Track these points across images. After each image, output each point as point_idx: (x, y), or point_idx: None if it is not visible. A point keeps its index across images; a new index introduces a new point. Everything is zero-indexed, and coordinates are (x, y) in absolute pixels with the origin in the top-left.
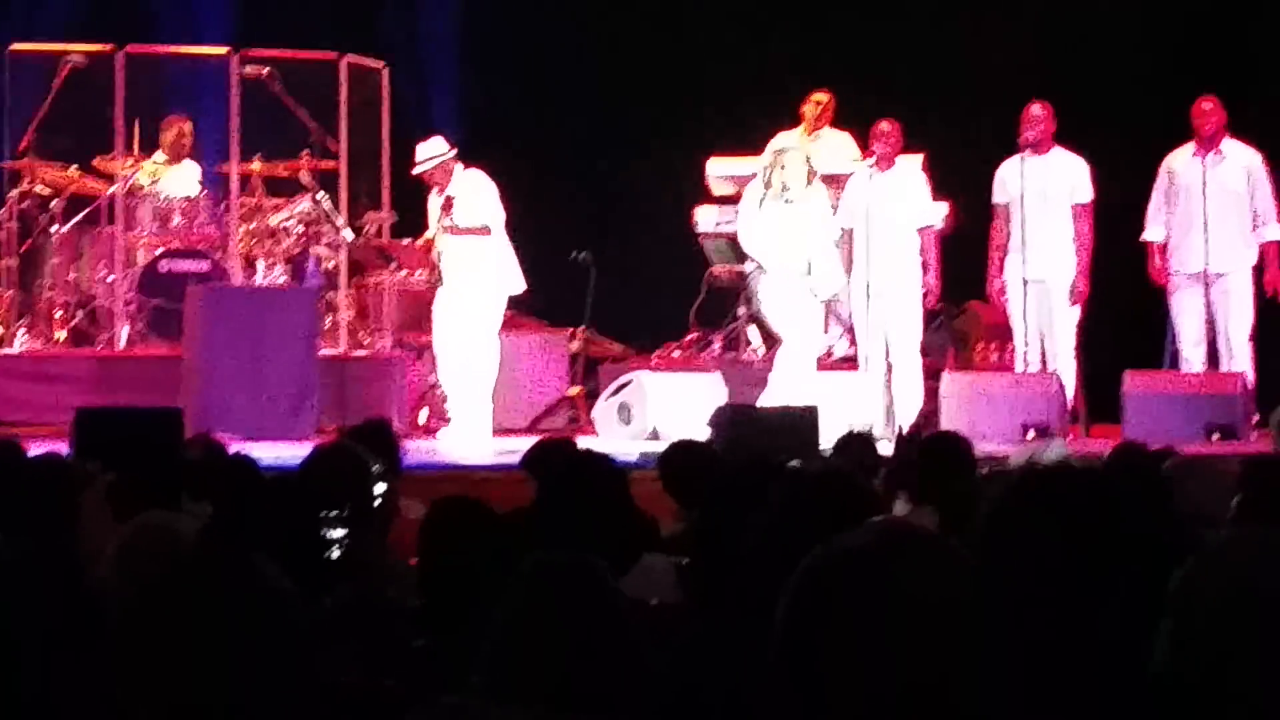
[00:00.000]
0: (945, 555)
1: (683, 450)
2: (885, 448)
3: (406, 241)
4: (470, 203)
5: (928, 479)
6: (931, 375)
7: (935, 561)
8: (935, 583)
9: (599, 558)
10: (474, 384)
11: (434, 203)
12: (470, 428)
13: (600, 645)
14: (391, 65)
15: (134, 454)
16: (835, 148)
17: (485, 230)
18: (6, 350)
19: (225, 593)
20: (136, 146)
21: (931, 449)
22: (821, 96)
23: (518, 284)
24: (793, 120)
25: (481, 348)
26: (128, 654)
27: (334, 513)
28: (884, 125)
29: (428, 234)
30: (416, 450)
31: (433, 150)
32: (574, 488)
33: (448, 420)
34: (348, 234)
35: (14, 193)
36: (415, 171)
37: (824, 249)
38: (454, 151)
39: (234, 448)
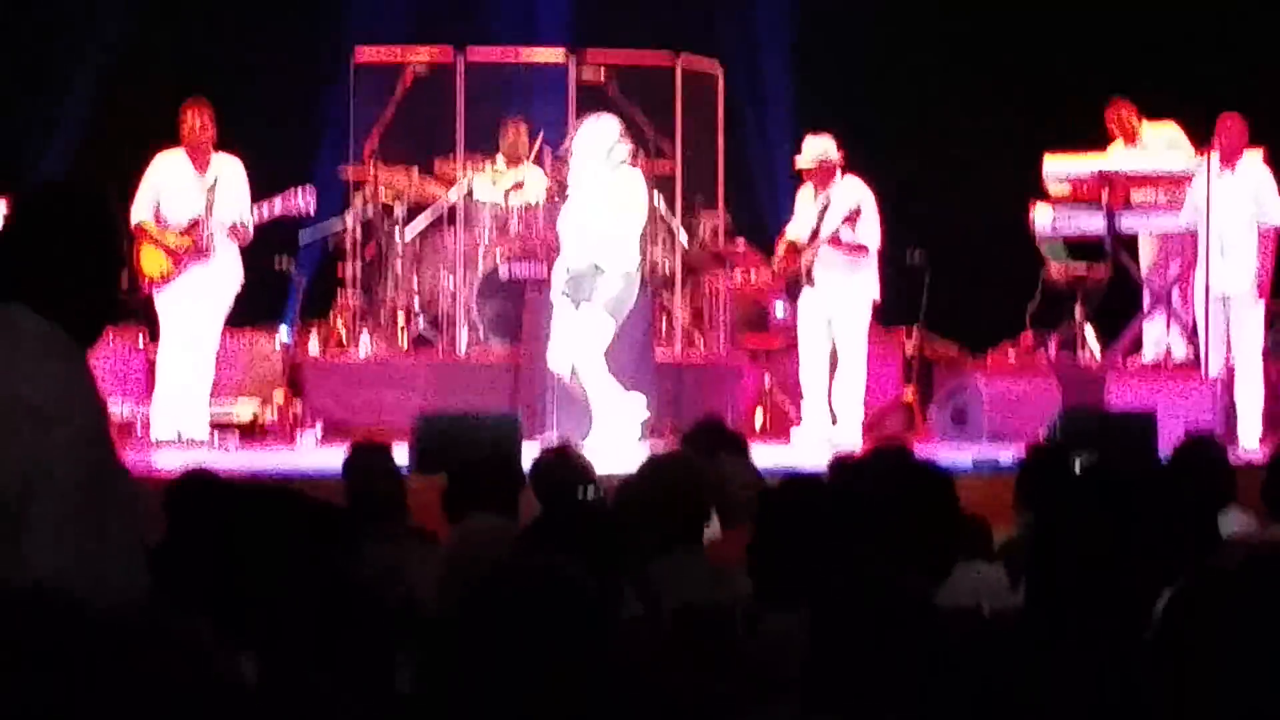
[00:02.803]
0: None
1: (1035, 454)
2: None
3: (741, 243)
4: (863, 219)
5: None
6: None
7: None
8: None
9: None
10: (840, 387)
11: (805, 198)
12: (817, 430)
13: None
14: (727, 67)
15: (472, 459)
16: (1164, 142)
17: (864, 250)
18: (351, 355)
19: (539, 599)
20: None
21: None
22: (1121, 110)
23: (877, 292)
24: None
25: (849, 352)
26: (451, 656)
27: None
28: (1228, 120)
29: (793, 231)
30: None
31: (819, 148)
32: (896, 492)
33: (799, 422)
34: (683, 237)
35: (358, 199)
36: (799, 166)
37: None
38: (839, 155)
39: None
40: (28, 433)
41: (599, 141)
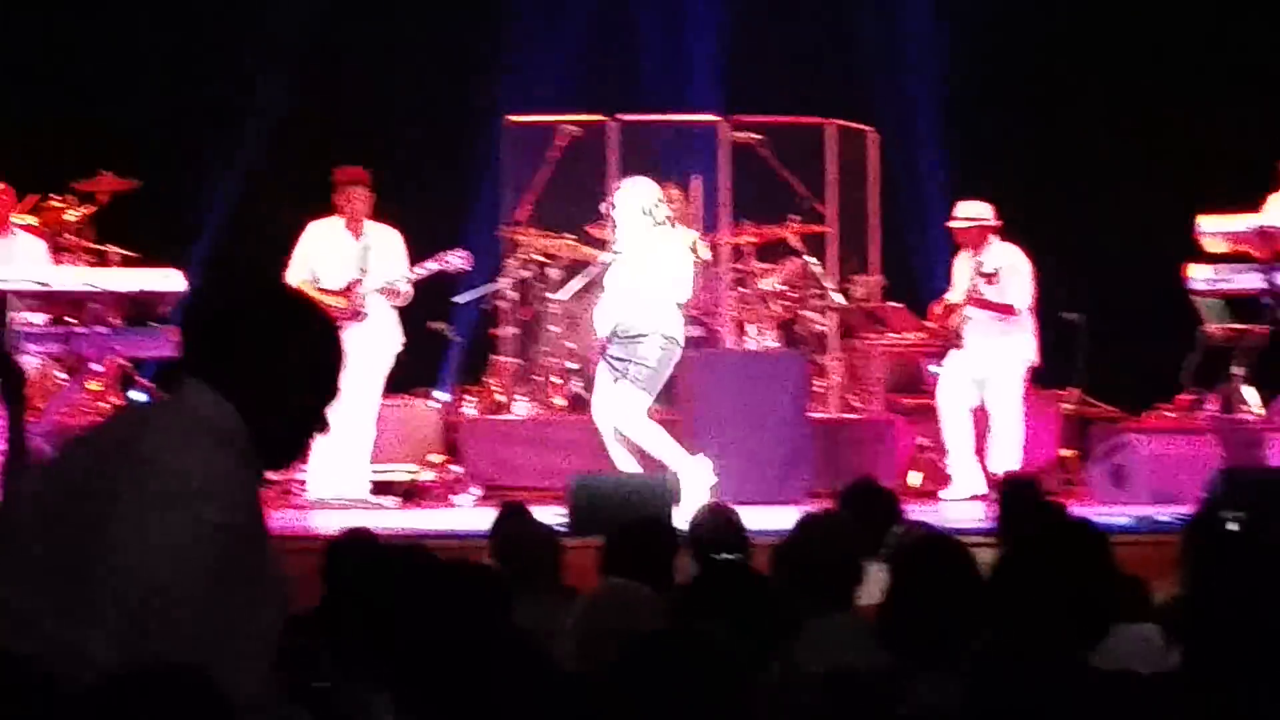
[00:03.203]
0: None
1: (1196, 514)
2: None
3: (895, 305)
4: (1007, 280)
5: None
6: None
7: None
8: None
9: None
10: (996, 450)
11: (960, 262)
12: (963, 489)
13: None
14: (880, 130)
15: (627, 521)
16: None
17: (1011, 310)
18: (508, 416)
19: (679, 665)
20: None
21: None
22: None
23: (1034, 355)
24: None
25: (1002, 414)
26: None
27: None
28: None
29: (950, 297)
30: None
31: (974, 212)
32: (1047, 550)
33: (949, 481)
34: (837, 298)
35: (513, 261)
36: (950, 225)
37: None
38: (997, 222)
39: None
40: (172, 511)
41: (638, 202)
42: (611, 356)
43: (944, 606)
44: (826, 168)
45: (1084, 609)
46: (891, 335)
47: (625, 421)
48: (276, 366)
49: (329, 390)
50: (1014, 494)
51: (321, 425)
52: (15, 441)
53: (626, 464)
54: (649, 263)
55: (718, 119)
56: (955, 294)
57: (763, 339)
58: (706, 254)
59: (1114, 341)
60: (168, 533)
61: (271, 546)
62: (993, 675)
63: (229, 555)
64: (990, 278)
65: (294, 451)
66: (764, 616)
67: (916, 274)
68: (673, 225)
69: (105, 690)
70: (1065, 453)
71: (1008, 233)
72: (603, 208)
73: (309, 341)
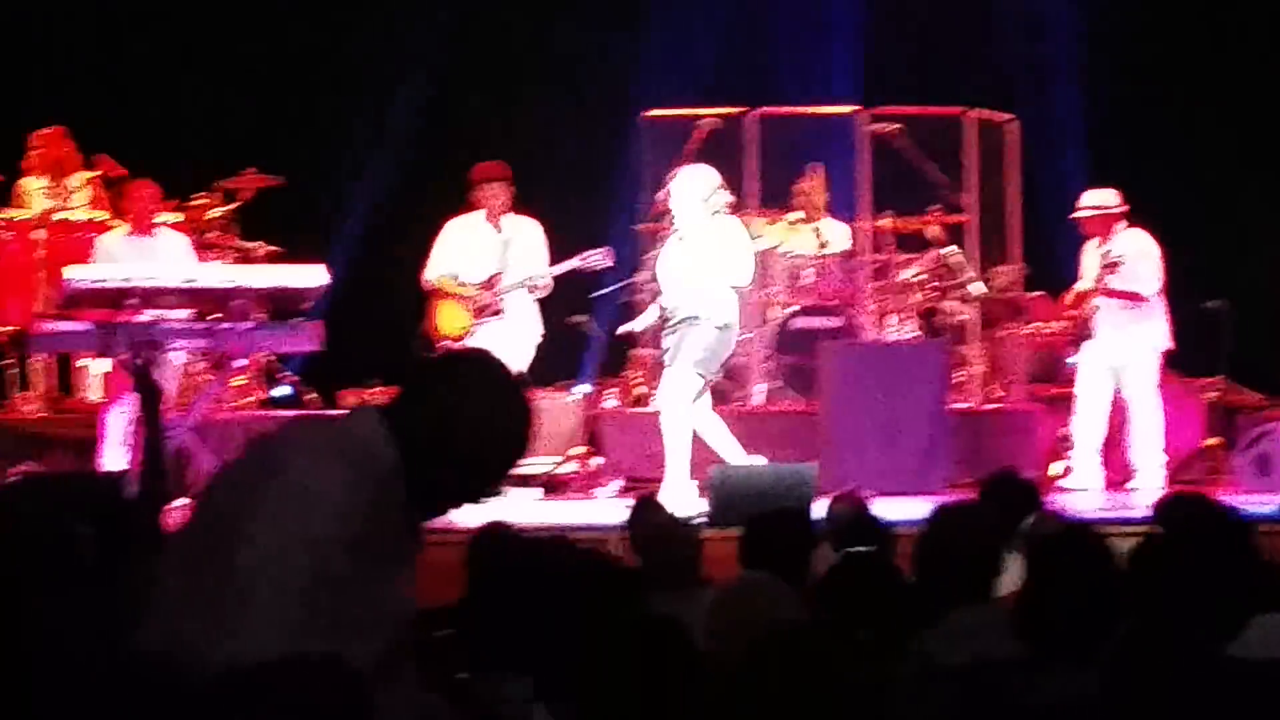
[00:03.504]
0: None
1: None
2: None
3: (1037, 294)
4: (1134, 266)
5: None
6: None
7: None
8: None
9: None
10: (1137, 439)
11: (1089, 251)
12: (1086, 481)
13: None
14: (1021, 118)
15: (765, 511)
16: None
17: (1139, 297)
18: (648, 408)
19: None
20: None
21: None
22: None
23: (1167, 341)
24: None
25: (1140, 402)
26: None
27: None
28: None
29: (1079, 286)
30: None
31: (1099, 200)
32: (1195, 540)
33: (1070, 470)
34: (978, 288)
35: (651, 255)
36: (1075, 215)
37: None
38: (1123, 208)
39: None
40: (282, 519)
41: (696, 190)
42: (668, 341)
43: (1081, 597)
44: (966, 157)
45: (1225, 598)
46: (1033, 325)
47: (672, 406)
48: (457, 425)
49: (506, 463)
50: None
51: (493, 492)
52: (151, 452)
53: (735, 453)
54: (705, 250)
55: (856, 110)
56: (1084, 283)
57: (903, 330)
58: (846, 244)
59: (1259, 328)
60: (272, 537)
61: (398, 569)
62: (1130, 666)
63: (326, 565)
64: (1115, 266)
65: (455, 507)
66: (899, 609)
67: (1057, 263)
68: (729, 213)
69: (221, 685)
70: (1210, 441)
71: (1144, 219)
72: (659, 196)
73: (498, 413)
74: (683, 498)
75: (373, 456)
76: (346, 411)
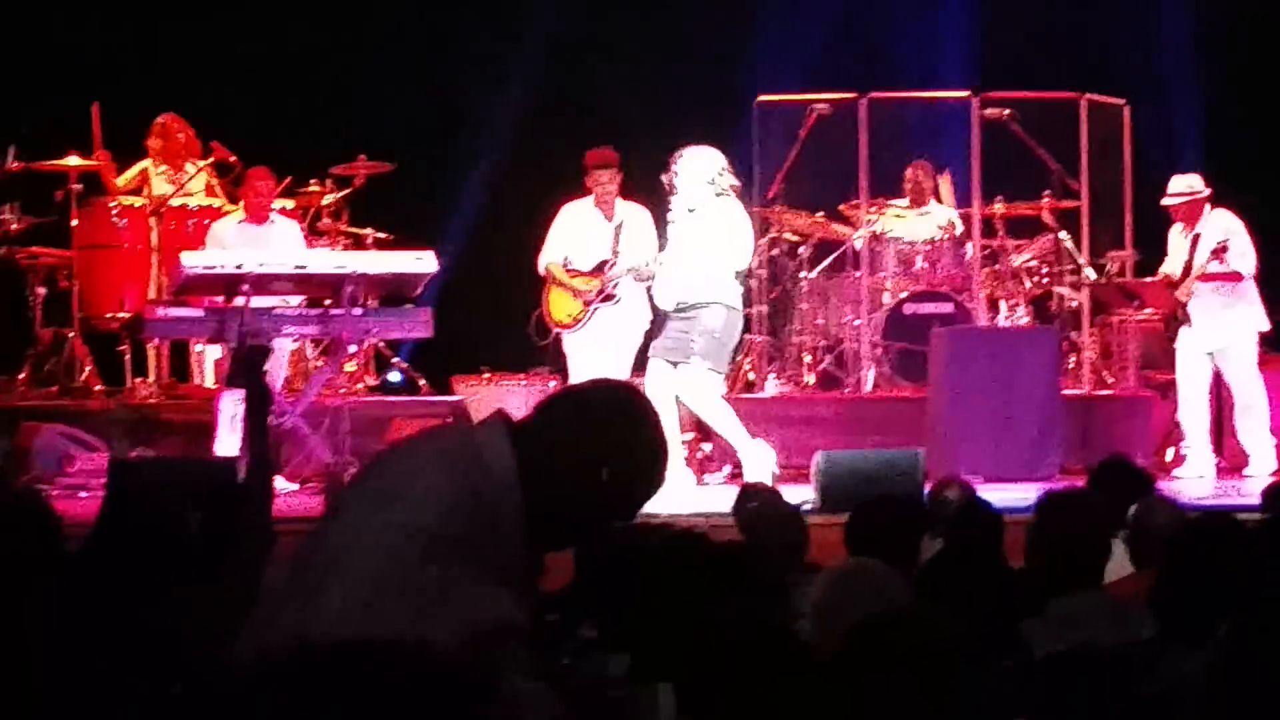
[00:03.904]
0: None
1: None
2: None
3: (1150, 279)
4: (1233, 247)
5: None
6: None
7: None
8: None
9: None
10: (1245, 423)
11: (1175, 235)
12: (1198, 468)
13: None
14: (1133, 103)
15: (872, 497)
16: None
17: (1239, 277)
18: (759, 394)
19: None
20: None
21: None
22: None
23: (1264, 322)
24: None
25: (1244, 386)
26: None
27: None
28: None
29: (1166, 269)
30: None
31: (1186, 186)
32: None
33: (1183, 459)
34: (1090, 273)
35: (763, 240)
36: (1164, 203)
37: None
38: (1207, 192)
39: (975, 488)
40: (378, 512)
41: (701, 170)
42: (673, 330)
43: (1209, 585)
44: (1079, 142)
45: None
46: (1145, 310)
47: (693, 397)
48: (589, 458)
49: (635, 501)
50: None
51: (592, 539)
52: (257, 454)
53: (743, 441)
54: (710, 232)
55: (969, 95)
56: (1171, 264)
57: (1014, 315)
58: (955, 230)
59: None
60: (363, 527)
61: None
62: (1240, 652)
63: (412, 556)
64: (1224, 250)
65: (574, 539)
66: (1005, 596)
67: (1168, 243)
68: (734, 195)
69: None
70: None
71: (1252, 202)
72: (664, 179)
73: (633, 450)
74: (762, 462)
75: (485, 469)
76: (478, 422)
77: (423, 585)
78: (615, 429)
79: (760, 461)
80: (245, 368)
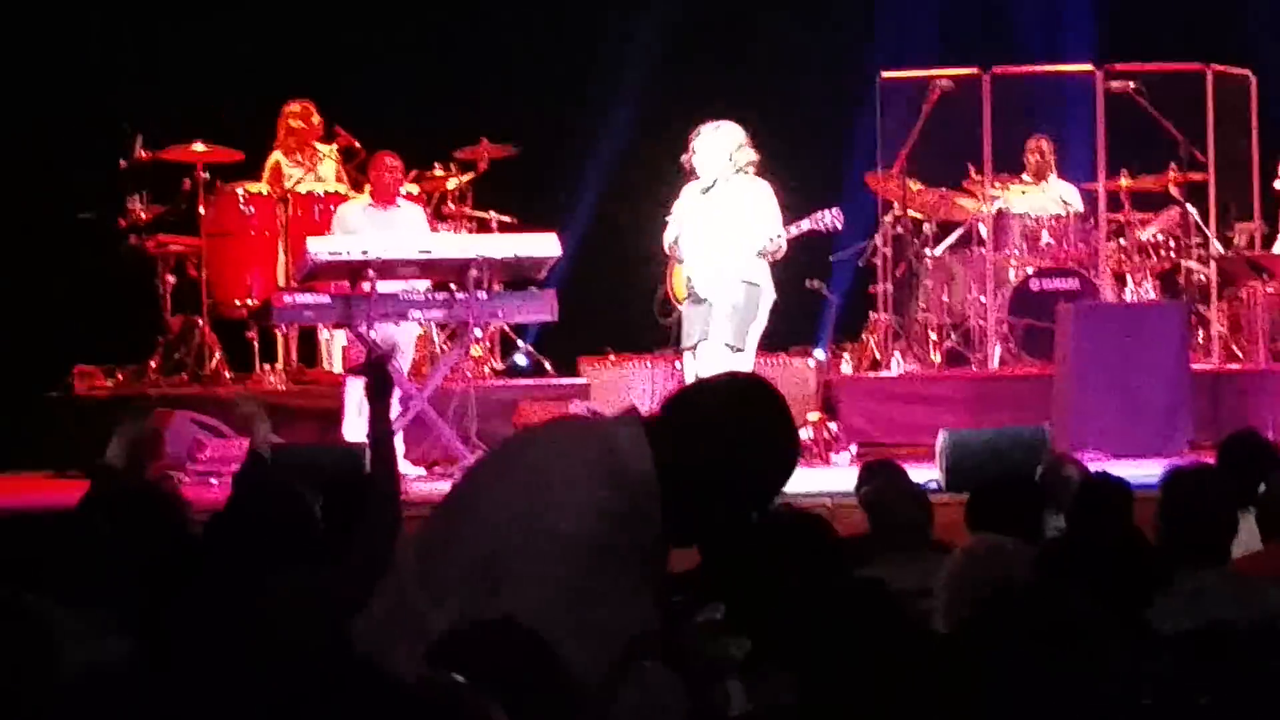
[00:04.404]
0: None
1: None
2: None
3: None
4: None
5: None
6: None
7: None
8: None
9: None
10: None
11: None
12: None
13: None
14: (1259, 73)
15: (996, 476)
16: None
17: None
18: (884, 372)
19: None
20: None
21: None
22: None
23: None
24: None
25: None
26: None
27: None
28: None
29: None
30: None
31: None
32: None
33: None
34: (1218, 246)
35: (888, 217)
36: None
37: None
38: None
39: (1103, 465)
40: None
41: (722, 145)
42: (695, 307)
43: None
44: (1205, 114)
45: None
46: (1275, 283)
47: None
48: (725, 451)
49: (768, 494)
50: None
51: (722, 540)
52: (380, 439)
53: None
54: (732, 208)
55: (1092, 68)
56: None
57: (1141, 290)
58: (1078, 205)
59: None
60: (521, 530)
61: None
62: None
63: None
64: None
65: (708, 535)
66: (1132, 572)
67: None
68: (752, 171)
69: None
70: None
71: None
72: (683, 159)
73: (767, 443)
74: None
75: (630, 470)
76: (611, 417)
77: (588, 598)
78: (749, 422)
79: None
80: (372, 367)
